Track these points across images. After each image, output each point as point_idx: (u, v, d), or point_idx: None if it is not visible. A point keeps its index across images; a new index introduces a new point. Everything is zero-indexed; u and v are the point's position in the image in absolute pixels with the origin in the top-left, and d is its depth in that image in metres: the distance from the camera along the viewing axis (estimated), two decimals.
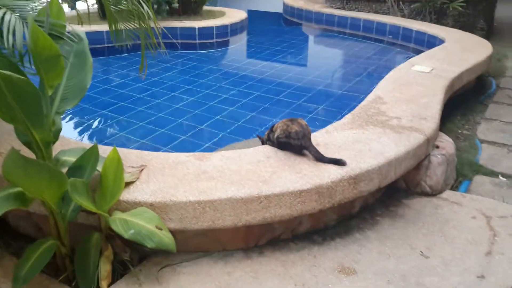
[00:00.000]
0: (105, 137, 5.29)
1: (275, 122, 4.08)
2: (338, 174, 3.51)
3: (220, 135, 5.26)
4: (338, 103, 6.19)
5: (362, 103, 4.81)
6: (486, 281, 3.18)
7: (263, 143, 4.11)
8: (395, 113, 4.56)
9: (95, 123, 5.67)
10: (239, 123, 5.58)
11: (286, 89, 6.71)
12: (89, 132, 5.54)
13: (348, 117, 4.45)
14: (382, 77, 5.82)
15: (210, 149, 4.83)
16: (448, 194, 4.25)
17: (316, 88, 6.81)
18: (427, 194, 4.21)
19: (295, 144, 3.69)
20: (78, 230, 3.20)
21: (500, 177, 4.77)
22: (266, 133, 4.05)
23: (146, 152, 3.80)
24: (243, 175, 3.45)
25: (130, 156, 3.68)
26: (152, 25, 3.79)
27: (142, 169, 3.51)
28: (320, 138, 4.00)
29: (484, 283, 3.16)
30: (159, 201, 3.16)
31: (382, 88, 5.32)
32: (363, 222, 3.85)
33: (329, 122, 4.54)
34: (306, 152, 3.71)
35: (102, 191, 3.07)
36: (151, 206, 3.14)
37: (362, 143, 3.97)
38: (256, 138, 4.43)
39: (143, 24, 3.71)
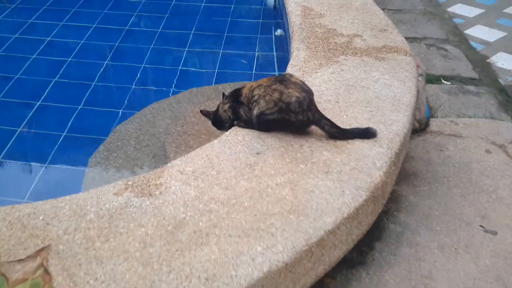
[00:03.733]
0: None
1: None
2: (380, 153, 2.08)
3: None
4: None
5: (294, 20, 3.25)
6: None
7: (217, 123, 2.38)
8: (346, 28, 3.14)
9: None
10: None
11: None
12: None
13: (301, 48, 2.89)
14: None
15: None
16: (435, 125, 3.18)
17: None
18: (414, 131, 3.07)
19: (299, 121, 2.09)
20: None
21: (443, 81, 3.89)
22: (223, 105, 2.30)
23: (36, 204, 1.79)
24: (251, 206, 1.78)
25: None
26: None
27: (44, 258, 1.56)
28: None
29: None
30: None
31: None
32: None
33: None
34: (311, 127, 2.16)
35: None
36: None
37: (357, 87, 2.53)
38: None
39: None
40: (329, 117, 2.15)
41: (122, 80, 3.64)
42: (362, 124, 2.26)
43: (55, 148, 2.94)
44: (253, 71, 3.81)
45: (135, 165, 2.65)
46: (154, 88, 3.58)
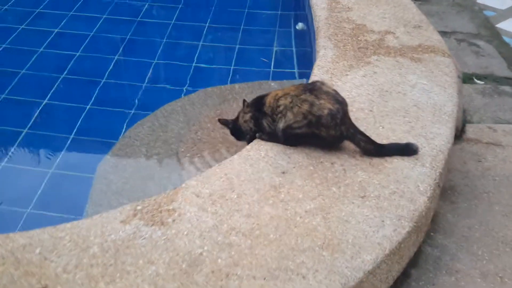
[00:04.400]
0: None
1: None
2: (423, 174, 1.81)
3: None
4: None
5: (320, 14, 2.96)
6: None
7: (236, 134, 2.12)
8: (376, 23, 2.85)
9: None
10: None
11: None
12: None
13: (328, 46, 2.60)
14: None
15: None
16: (471, 132, 2.89)
17: None
18: None
19: (330, 136, 1.82)
20: None
21: (476, 80, 3.59)
22: (244, 115, 2.04)
23: (32, 233, 1.55)
24: (277, 238, 1.53)
25: None
26: None
27: None
28: None
29: None
30: None
31: None
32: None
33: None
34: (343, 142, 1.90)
35: None
36: None
37: (392, 93, 2.26)
38: None
39: None
40: (362, 129, 1.89)
41: (133, 77, 3.37)
42: (401, 138, 1.99)
43: (62, 152, 2.70)
44: (271, 69, 3.53)
45: (146, 176, 2.40)
46: (167, 86, 3.31)
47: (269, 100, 1.89)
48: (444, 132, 2.03)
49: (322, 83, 1.85)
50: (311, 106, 1.77)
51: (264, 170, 1.80)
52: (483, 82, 3.58)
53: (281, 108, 1.84)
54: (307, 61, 3.73)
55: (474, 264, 2.12)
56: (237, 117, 2.06)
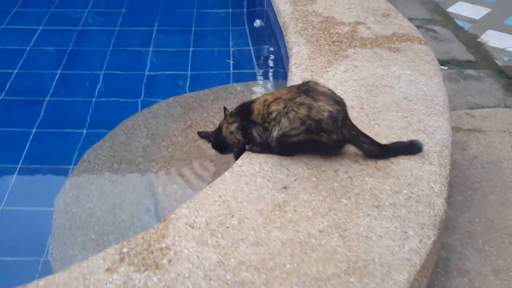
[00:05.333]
0: None
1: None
2: (433, 173, 1.65)
3: None
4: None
5: (284, 8, 2.75)
6: None
7: (220, 147, 1.86)
8: (344, 15, 2.68)
9: None
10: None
11: None
12: None
13: (301, 42, 2.40)
14: None
15: None
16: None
17: None
18: None
19: (332, 141, 1.62)
20: None
21: (441, 66, 3.51)
22: (228, 125, 1.76)
23: None
24: (295, 268, 1.28)
25: None
26: None
27: None
28: None
29: None
30: None
31: None
32: None
33: None
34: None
35: None
36: None
37: (379, 87, 2.09)
38: None
39: None
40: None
41: (81, 93, 3.03)
42: (400, 135, 1.82)
43: (10, 185, 2.35)
44: (231, 70, 3.29)
45: (113, 205, 2.10)
46: (120, 99, 3.00)
47: (257, 107, 1.66)
48: (443, 125, 1.88)
49: (316, 83, 1.65)
50: (309, 110, 1.56)
51: (263, 187, 1.57)
52: (446, 68, 3.53)
53: (273, 114, 1.61)
54: (266, 59, 3.53)
55: (484, 261, 1.99)
56: (220, 128, 1.81)
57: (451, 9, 4.36)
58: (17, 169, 2.42)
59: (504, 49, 3.75)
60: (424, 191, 1.58)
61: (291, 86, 1.66)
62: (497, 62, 3.59)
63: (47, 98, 2.90)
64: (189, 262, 1.33)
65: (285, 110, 1.59)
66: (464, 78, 3.39)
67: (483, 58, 3.65)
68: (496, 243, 2.06)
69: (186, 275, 1.29)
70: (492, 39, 3.89)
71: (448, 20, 4.17)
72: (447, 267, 1.97)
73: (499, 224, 2.15)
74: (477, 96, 3.17)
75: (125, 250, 1.36)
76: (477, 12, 4.31)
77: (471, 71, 3.47)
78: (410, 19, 4.06)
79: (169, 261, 1.33)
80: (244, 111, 1.72)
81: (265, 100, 1.65)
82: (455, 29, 4.04)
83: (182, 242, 1.38)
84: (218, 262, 1.33)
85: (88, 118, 2.78)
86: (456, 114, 2.85)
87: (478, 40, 3.89)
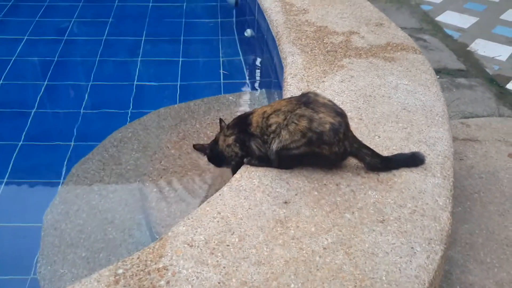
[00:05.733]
0: None
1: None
2: (437, 186, 1.60)
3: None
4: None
5: (276, 18, 2.70)
6: None
7: (216, 160, 1.80)
8: (337, 24, 2.65)
9: None
10: None
11: None
12: None
13: (295, 52, 2.35)
14: None
15: None
16: None
17: None
18: None
19: (333, 153, 1.57)
20: None
21: None
22: (225, 138, 1.71)
23: None
24: None
25: None
26: None
27: None
28: None
29: None
30: None
31: None
32: None
33: None
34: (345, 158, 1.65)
35: None
36: None
37: (377, 97, 2.05)
38: None
39: None
40: None
41: (68, 104, 2.95)
42: (401, 147, 1.78)
43: None
44: (221, 81, 3.24)
45: (104, 221, 2.02)
46: (108, 110, 2.92)
47: (256, 119, 1.61)
48: (443, 136, 1.85)
49: (316, 94, 1.60)
50: (310, 122, 1.51)
51: (263, 202, 1.51)
52: (438, 77, 3.51)
53: (273, 127, 1.56)
54: (257, 69, 3.49)
55: (486, 274, 1.95)
56: (216, 141, 1.75)
57: (439, 18, 4.37)
58: (3, 183, 2.33)
59: (493, 57, 3.76)
60: (428, 205, 1.54)
61: (291, 98, 1.61)
62: (488, 70, 3.59)
63: (33, 110, 2.81)
64: (188, 283, 1.26)
65: (285, 122, 1.54)
66: (456, 87, 3.38)
67: (473, 66, 3.65)
68: (498, 255, 2.03)
69: None
70: (481, 48, 3.90)
71: (437, 29, 4.18)
72: (449, 280, 1.93)
73: (500, 235, 2.12)
74: (470, 105, 3.16)
75: (120, 271, 1.29)
76: (465, 21, 4.33)
77: (462, 80, 3.46)
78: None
79: (167, 283, 1.26)
80: (241, 123, 1.66)
81: (264, 112, 1.60)
82: (445, 38, 4.04)
83: (181, 262, 1.31)
84: (219, 283, 1.26)
85: (75, 131, 2.70)
86: (451, 124, 2.83)
87: (468, 49, 3.89)
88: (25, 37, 3.49)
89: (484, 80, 3.47)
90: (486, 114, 3.04)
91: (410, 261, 1.35)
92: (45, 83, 3.07)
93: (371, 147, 1.67)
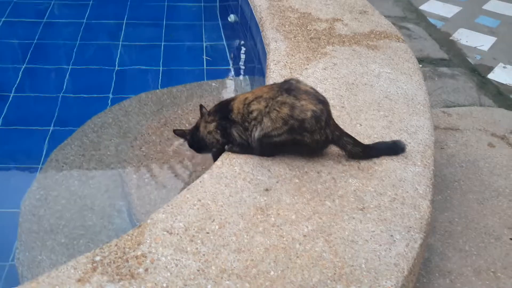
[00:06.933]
0: None
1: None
2: (418, 174, 1.61)
3: None
4: None
5: (259, 3, 2.67)
6: None
7: (197, 146, 1.78)
8: (321, 11, 2.63)
9: None
10: None
11: None
12: None
13: (278, 38, 2.33)
14: None
15: None
16: None
17: None
18: None
19: (315, 141, 1.56)
20: None
21: None
22: (206, 124, 1.69)
23: None
24: (279, 276, 1.21)
25: None
26: None
27: None
28: None
29: None
30: None
31: None
32: None
33: None
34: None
35: None
36: None
37: (359, 86, 2.04)
38: None
39: None
40: None
41: (47, 88, 2.89)
42: (383, 135, 1.78)
43: None
44: (204, 66, 3.20)
45: (83, 207, 1.99)
46: (88, 95, 2.86)
47: (237, 106, 1.59)
48: (424, 124, 1.85)
49: (298, 81, 1.58)
50: (291, 109, 1.49)
51: (244, 189, 1.50)
52: (420, 65, 3.53)
53: (254, 114, 1.54)
54: (241, 55, 3.45)
55: (465, 261, 1.98)
56: (197, 127, 1.73)
57: (423, 7, 4.38)
58: None
59: (475, 47, 3.79)
60: (408, 193, 1.54)
61: (272, 84, 1.60)
62: (470, 60, 3.62)
63: (12, 94, 2.75)
64: (167, 270, 1.25)
65: (267, 109, 1.52)
66: (438, 76, 3.39)
67: (456, 56, 3.67)
68: (476, 243, 2.06)
69: (164, 285, 1.21)
70: (464, 37, 3.93)
71: (421, 18, 4.18)
72: (428, 268, 1.96)
73: (479, 224, 2.14)
74: (451, 94, 3.18)
75: (97, 258, 1.27)
76: (449, 10, 4.35)
77: (445, 69, 3.48)
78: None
79: (146, 270, 1.25)
80: (223, 110, 1.64)
81: (245, 98, 1.58)
82: (428, 27, 4.05)
83: (159, 250, 1.30)
84: (198, 271, 1.25)
85: (55, 115, 2.65)
86: (432, 113, 2.84)
87: (451, 38, 3.91)
88: (3, 19, 3.40)
89: (466, 69, 3.49)
90: (468, 104, 3.07)
91: (390, 249, 1.36)
92: (24, 66, 3.00)
93: (353, 135, 1.67)
